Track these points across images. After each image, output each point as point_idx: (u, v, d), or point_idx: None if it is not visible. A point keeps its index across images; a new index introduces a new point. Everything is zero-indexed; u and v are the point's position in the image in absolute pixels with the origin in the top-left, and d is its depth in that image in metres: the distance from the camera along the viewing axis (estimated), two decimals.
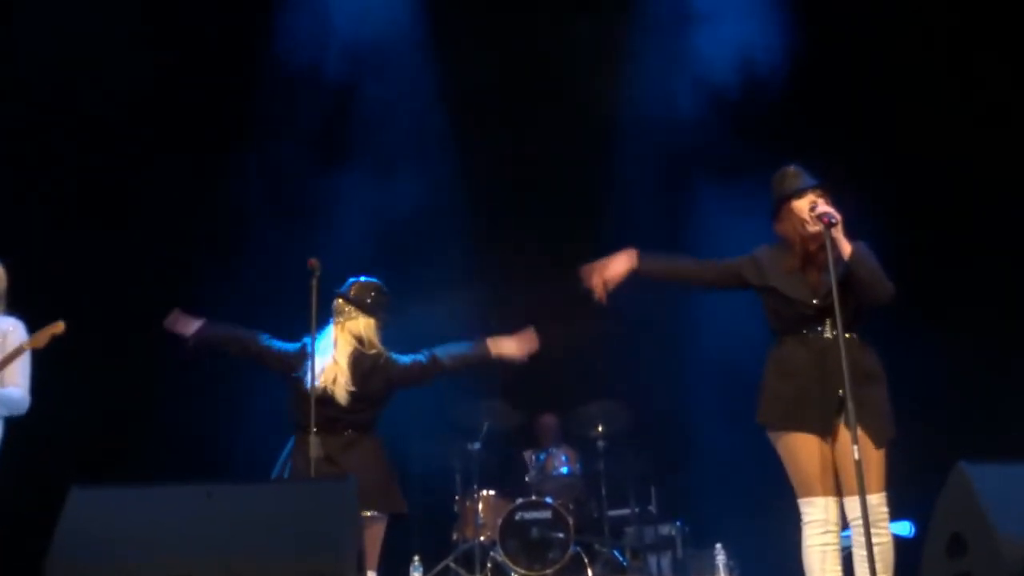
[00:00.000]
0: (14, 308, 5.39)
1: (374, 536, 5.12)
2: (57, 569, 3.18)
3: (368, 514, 5.03)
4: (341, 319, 5.35)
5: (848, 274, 4.47)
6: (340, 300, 5.38)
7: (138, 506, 3.42)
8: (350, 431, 5.22)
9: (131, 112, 7.86)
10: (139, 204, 7.84)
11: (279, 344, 5.31)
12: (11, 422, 5.27)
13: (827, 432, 4.53)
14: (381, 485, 5.18)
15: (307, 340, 5.22)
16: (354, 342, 5.29)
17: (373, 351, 5.29)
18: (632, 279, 4.78)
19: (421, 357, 5.31)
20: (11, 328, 5.27)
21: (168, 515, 3.38)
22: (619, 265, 4.79)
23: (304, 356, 5.18)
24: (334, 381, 5.18)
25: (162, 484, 3.58)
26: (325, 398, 5.14)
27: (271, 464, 5.31)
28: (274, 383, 5.47)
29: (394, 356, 5.30)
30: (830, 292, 4.42)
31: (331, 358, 5.22)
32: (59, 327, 5.15)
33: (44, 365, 5.36)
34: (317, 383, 5.10)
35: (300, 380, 5.16)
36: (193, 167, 8.01)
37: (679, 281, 5.13)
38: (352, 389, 5.19)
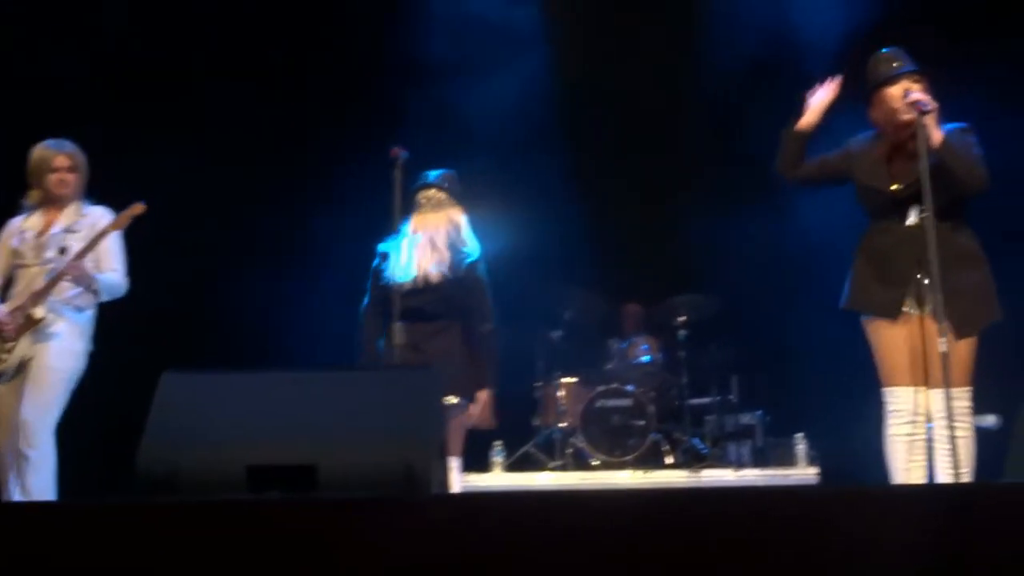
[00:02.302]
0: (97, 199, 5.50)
1: (458, 423, 5.18)
2: (150, 452, 3.24)
3: (453, 401, 5.09)
4: (428, 209, 5.34)
5: (938, 163, 4.37)
6: (432, 190, 5.38)
7: (227, 392, 3.46)
8: (437, 320, 5.22)
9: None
10: (213, 95, 7.81)
11: (380, 273, 5.30)
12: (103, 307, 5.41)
13: (910, 320, 4.49)
14: (465, 372, 5.20)
15: (384, 244, 5.29)
16: (446, 229, 5.28)
17: (464, 245, 5.28)
18: None
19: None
20: (101, 215, 5.37)
21: (256, 401, 3.41)
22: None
23: (386, 255, 5.25)
24: (425, 275, 5.18)
25: (250, 370, 3.62)
26: (414, 288, 5.16)
27: (350, 353, 5.39)
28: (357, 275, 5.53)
29: (479, 268, 5.28)
30: (915, 180, 4.36)
31: (420, 248, 5.22)
32: (139, 208, 5.24)
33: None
34: (406, 276, 5.15)
35: (386, 273, 5.23)
36: (272, 63, 7.99)
37: (799, 172, 4.77)
38: (441, 276, 5.18)
